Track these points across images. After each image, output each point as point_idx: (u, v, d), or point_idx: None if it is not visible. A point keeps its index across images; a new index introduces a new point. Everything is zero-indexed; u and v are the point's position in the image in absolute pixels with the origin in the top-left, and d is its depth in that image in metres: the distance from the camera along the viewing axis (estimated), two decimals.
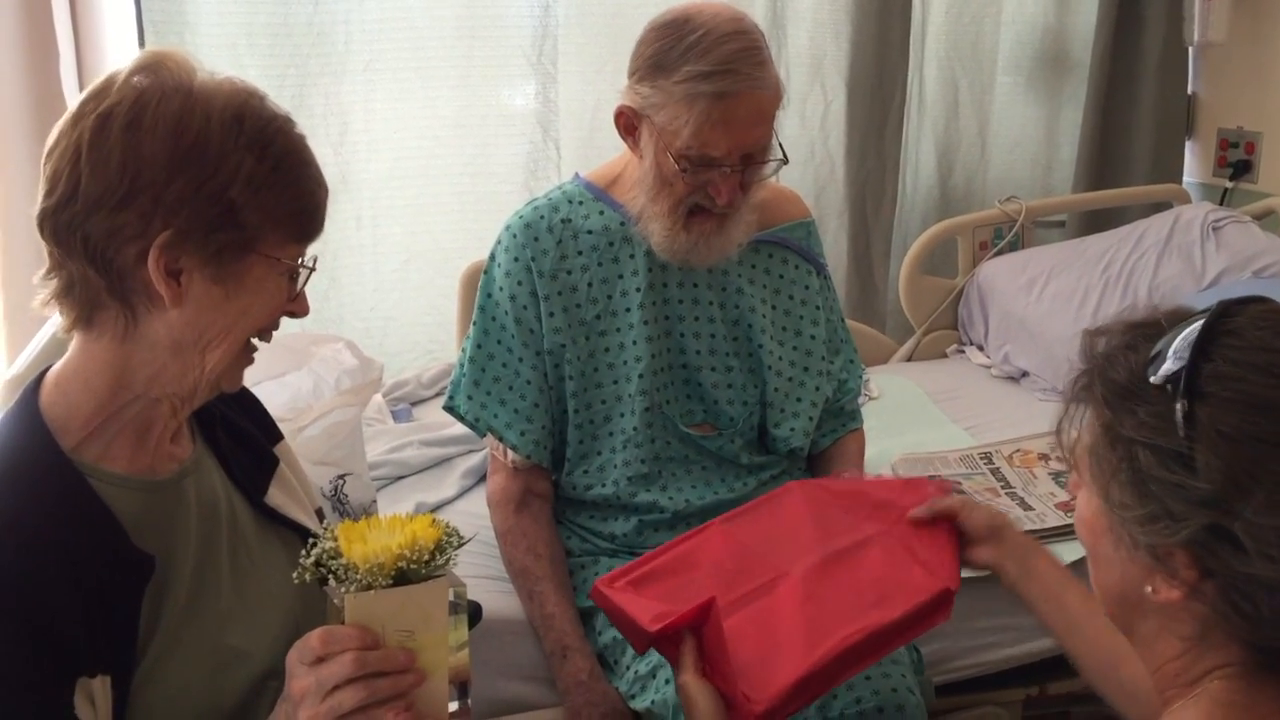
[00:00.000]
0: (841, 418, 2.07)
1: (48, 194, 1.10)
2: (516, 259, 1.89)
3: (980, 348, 3.11)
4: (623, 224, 1.88)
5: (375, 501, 2.12)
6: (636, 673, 1.75)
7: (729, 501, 1.91)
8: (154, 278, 1.09)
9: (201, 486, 1.24)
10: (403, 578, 1.08)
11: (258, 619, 1.24)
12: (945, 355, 3.18)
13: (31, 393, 1.15)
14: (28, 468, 1.10)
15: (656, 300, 1.89)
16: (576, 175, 1.99)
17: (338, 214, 2.75)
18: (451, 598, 1.12)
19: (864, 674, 1.65)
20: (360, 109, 2.76)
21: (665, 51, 1.72)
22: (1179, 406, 0.92)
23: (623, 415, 1.89)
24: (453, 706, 1.15)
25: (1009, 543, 1.49)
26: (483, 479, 2.30)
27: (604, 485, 1.91)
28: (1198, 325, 0.95)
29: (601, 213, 1.91)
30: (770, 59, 1.75)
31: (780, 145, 1.80)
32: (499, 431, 1.91)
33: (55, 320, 1.43)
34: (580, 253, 1.89)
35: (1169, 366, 0.94)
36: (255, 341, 1.20)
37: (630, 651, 1.78)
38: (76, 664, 1.06)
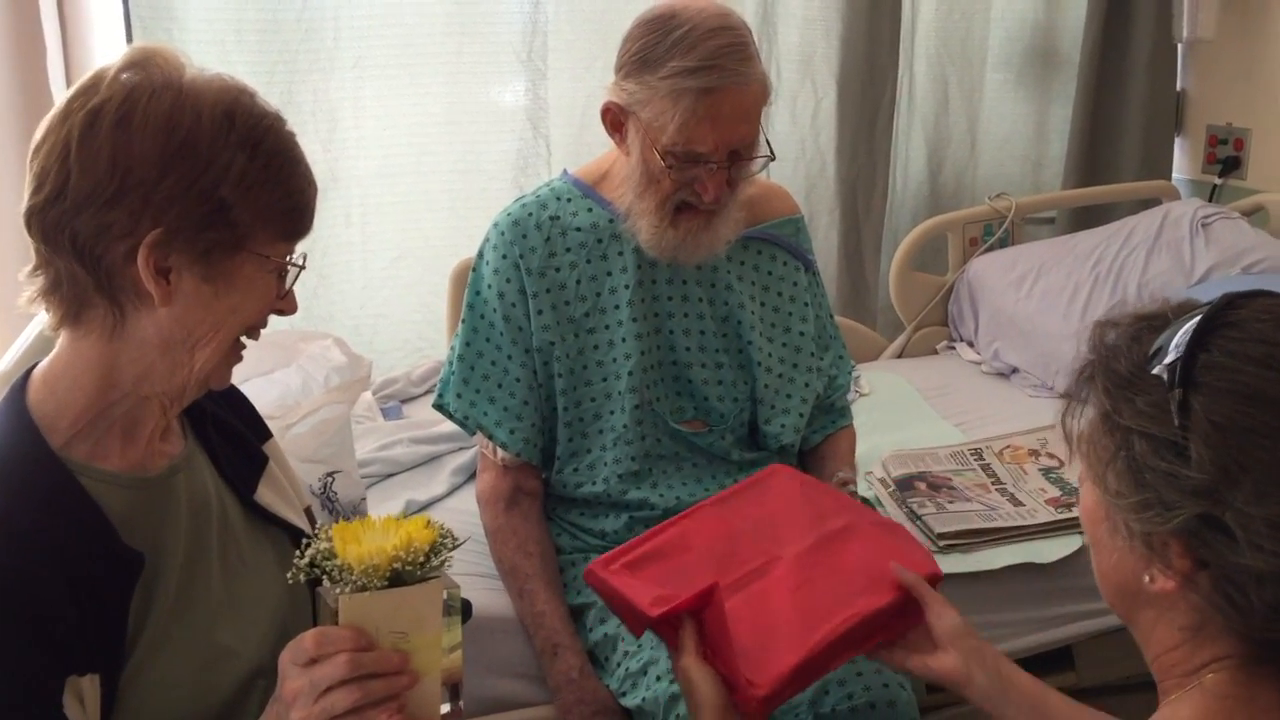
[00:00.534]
0: (832, 414, 2.07)
1: (35, 191, 1.09)
2: (505, 256, 1.89)
3: (970, 344, 3.12)
4: (611, 221, 1.88)
5: (365, 499, 2.12)
6: (627, 670, 1.75)
7: None
8: (143, 276, 1.08)
9: (192, 483, 1.23)
10: (397, 579, 1.07)
11: (247, 617, 1.24)
12: (936, 352, 3.19)
13: (19, 390, 1.15)
14: (16, 465, 1.10)
15: (645, 297, 1.89)
16: (565, 172, 1.98)
17: (327, 211, 2.74)
18: (445, 599, 1.11)
19: (856, 669, 1.66)
20: (349, 105, 2.75)
21: (651, 47, 1.71)
22: (1174, 396, 0.93)
23: (612, 413, 1.89)
24: (445, 708, 1.15)
25: (978, 651, 1.36)
26: (473, 476, 2.30)
27: (594, 483, 1.91)
28: (1199, 317, 0.96)
29: (590, 210, 1.91)
30: (757, 55, 1.75)
31: (767, 142, 1.80)
32: (488, 429, 1.91)
33: (43, 317, 1.42)
34: (569, 250, 1.89)
35: (1170, 356, 0.95)
36: (244, 339, 1.20)
37: (621, 649, 1.78)
38: (66, 662, 1.06)
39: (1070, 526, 2.16)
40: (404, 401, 2.75)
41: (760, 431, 1.95)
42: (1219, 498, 0.91)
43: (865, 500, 2.07)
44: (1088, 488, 1.04)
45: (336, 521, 1.92)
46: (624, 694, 1.75)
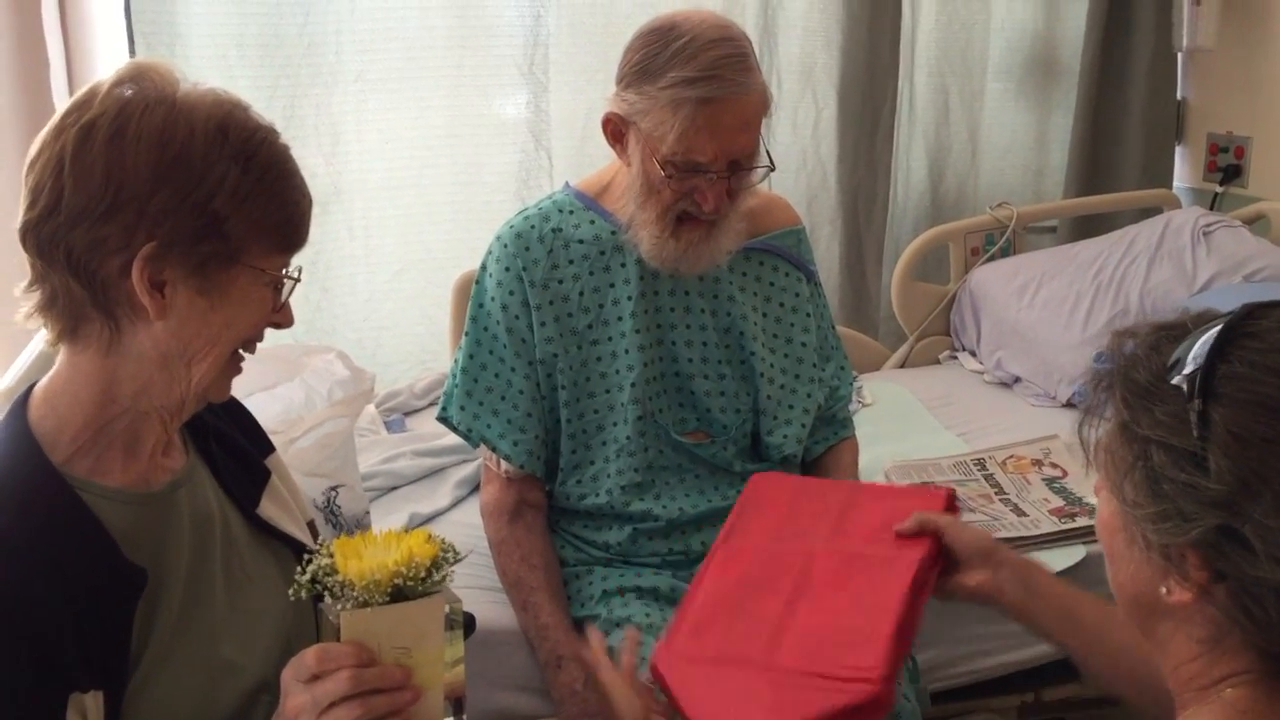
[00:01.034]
0: (834, 425, 2.07)
1: (30, 206, 1.09)
2: (508, 269, 1.89)
3: (973, 354, 3.12)
4: (613, 233, 1.88)
5: (368, 512, 2.12)
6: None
7: (723, 510, 1.90)
8: (138, 290, 1.08)
9: (195, 498, 1.23)
10: (399, 594, 1.07)
11: (250, 631, 1.24)
12: (938, 361, 3.19)
13: (20, 407, 1.15)
14: (18, 482, 1.10)
15: (648, 309, 1.89)
16: (567, 184, 1.99)
17: (330, 224, 2.75)
18: (447, 613, 1.11)
19: None
20: (352, 119, 2.76)
21: (652, 58, 1.72)
22: (1194, 406, 0.92)
23: (615, 424, 1.89)
24: None
25: (1006, 563, 1.41)
26: (476, 489, 2.30)
27: (598, 494, 1.91)
28: (1219, 327, 0.95)
29: (592, 222, 1.91)
30: (757, 66, 1.75)
31: (768, 152, 1.80)
32: (492, 442, 1.91)
33: (44, 334, 1.42)
34: (571, 262, 1.89)
35: (1189, 367, 0.94)
36: (242, 352, 1.20)
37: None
38: (69, 679, 1.06)
39: (1074, 536, 2.16)
40: (407, 414, 2.75)
41: (762, 442, 1.95)
42: (1238, 509, 0.90)
43: None
44: (1105, 498, 1.03)
45: (340, 535, 1.92)
46: None
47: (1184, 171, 3.52)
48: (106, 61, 2.48)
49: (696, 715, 1.32)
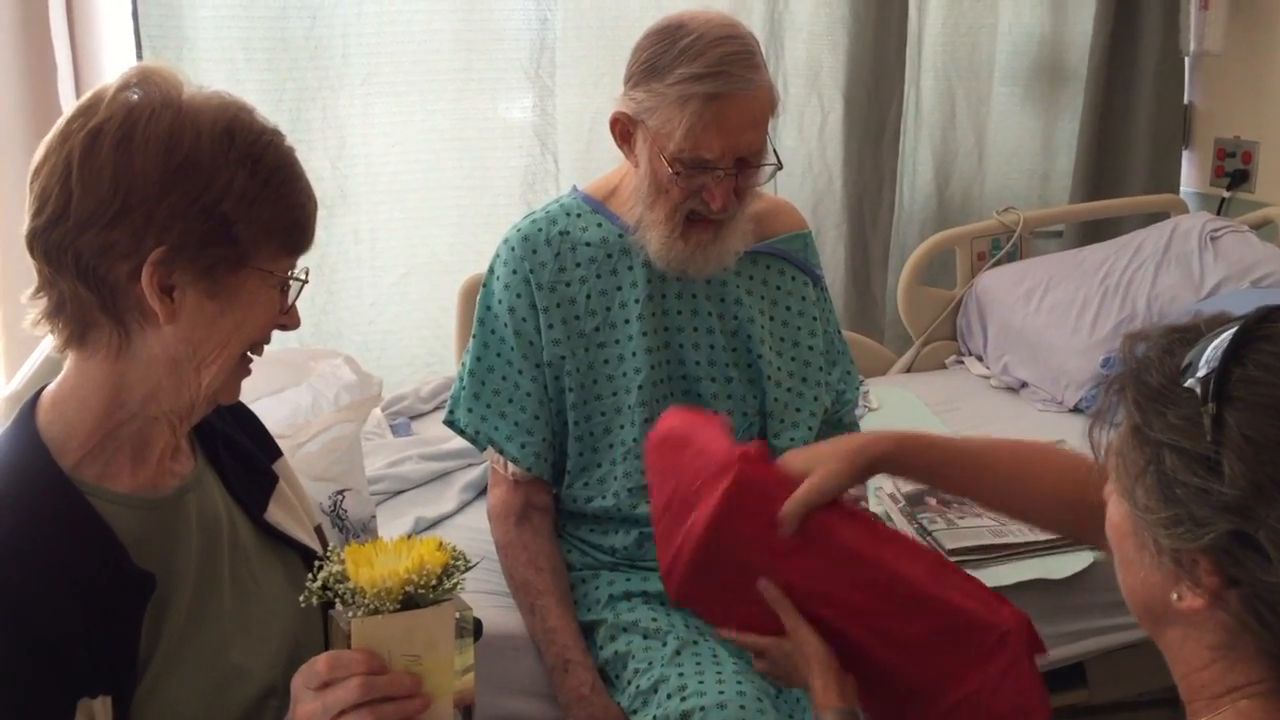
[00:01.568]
0: (840, 429, 2.07)
1: (37, 212, 1.09)
2: (515, 272, 1.89)
3: (979, 358, 3.11)
4: (621, 236, 1.88)
5: (374, 517, 2.12)
6: (638, 688, 1.75)
7: None
8: (147, 294, 1.08)
9: (203, 503, 1.23)
10: (410, 602, 1.07)
11: (258, 636, 1.23)
12: (944, 366, 3.19)
13: (28, 412, 1.15)
14: (27, 487, 1.10)
15: (655, 311, 1.89)
16: (574, 188, 1.99)
17: (336, 227, 2.75)
18: (458, 621, 1.11)
19: None
20: (358, 122, 2.76)
21: (659, 56, 1.73)
22: (1207, 410, 0.91)
23: (623, 427, 1.89)
24: None
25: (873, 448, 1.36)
26: (482, 493, 2.30)
27: (604, 497, 1.91)
28: (1233, 330, 0.94)
29: (599, 225, 1.91)
30: (763, 64, 1.76)
31: (775, 151, 1.80)
32: (499, 444, 1.91)
33: (51, 339, 1.42)
34: (579, 265, 1.89)
35: (1202, 370, 0.93)
36: (250, 354, 1.20)
37: (632, 666, 1.78)
38: (78, 684, 1.06)
39: (1082, 543, 2.15)
40: (413, 418, 2.75)
41: (770, 445, 1.95)
42: (1252, 514, 0.89)
43: (875, 517, 2.05)
44: (1115, 502, 1.02)
45: (346, 539, 1.92)
46: (635, 711, 1.75)
47: (1191, 176, 3.51)
48: (113, 65, 2.48)
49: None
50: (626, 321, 1.88)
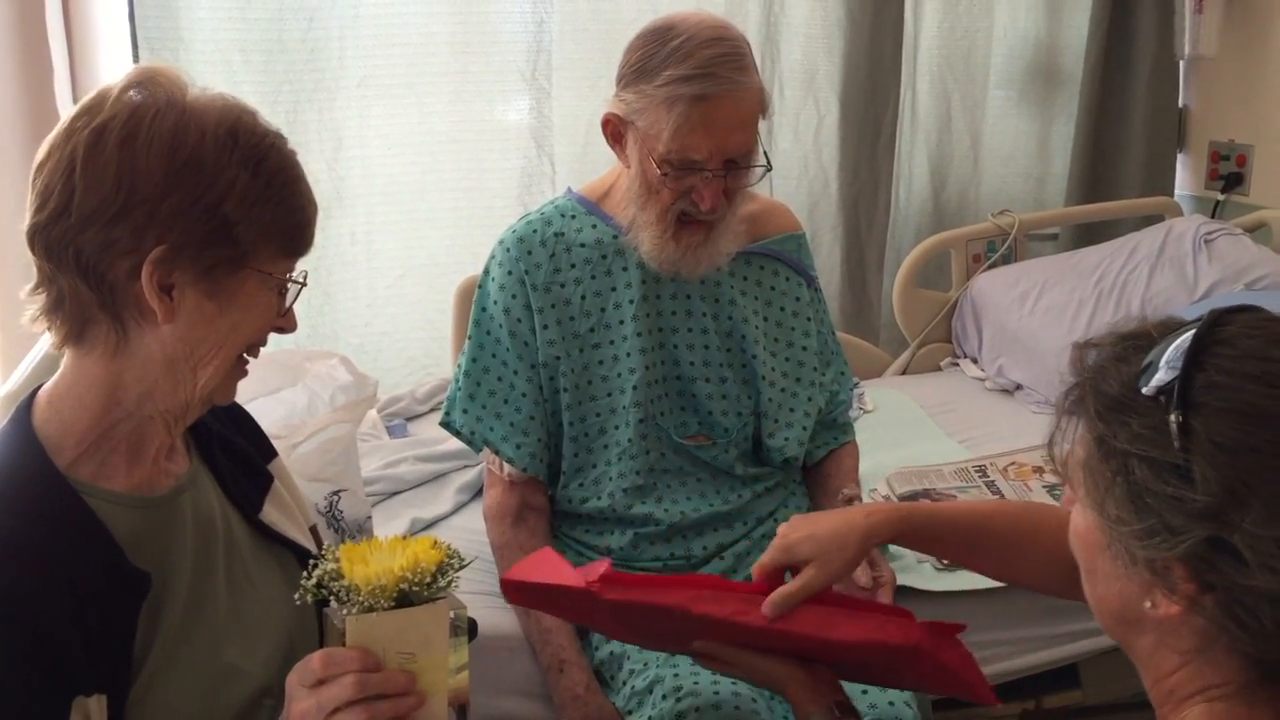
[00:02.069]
0: (834, 430, 2.07)
1: (38, 209, 1.09)
2: (510, 273, 1.90)
3: (974, 360, 3.12)
4: (615, 237, 1.89)
5: (370, 517, 2.12)
6: (633, 689, 1.75)
7: (724, 514, 1.91)
8: (146, 293, 1.09)
9: (198, 503, 1.23)
10: (404, 600, 1.08)
11: (253, 636, 1.24)
12: (939, 368, 3.19)
13: (25, 411, 1.15)
14: (23, 486, 1.10)
15: (650, 312, 1.89)
16: (569, 190, 2.00)
17: (332, 229, 2.75)
18: (452, 619, 1.11)
19: (861, 689, 1.65)
20: (355, 125, 2.76)
21: (649, 57, 1.73)
22: (1173, 418, 0.91)
23: (617, 427, 1.89)
24: None
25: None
26: (477, 495, 2.30)
27: (599, 498, 1.91)
28: (1189, 335, 0.94)
29: (594, 226, 1.91)
30: (753, 66, 1.76)
31: (765, 153, 1.81)
32: (495, 444, 1.91)
33: (48, 338, 1.42)
34: (573, 266, 1.90)
35: (1161, 377, 0.93)
36: (246, 356, 1.20)
37: (627, 667, 1.78)
38: (73, 683, 1.06)
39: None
40: (409, 419, 2.75)
41: (764, 445, 1.95)
42: (1226, 520, 0.89)
43: None
44: (1081, 513, 1.01)
45: (342, 540, 1.92)
46: (629, 712, 1.75)
47: (1185, 179, 3.52)
48: (110, 67, 2.48)
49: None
50: (621, 322, 1.88)
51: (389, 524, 2.20)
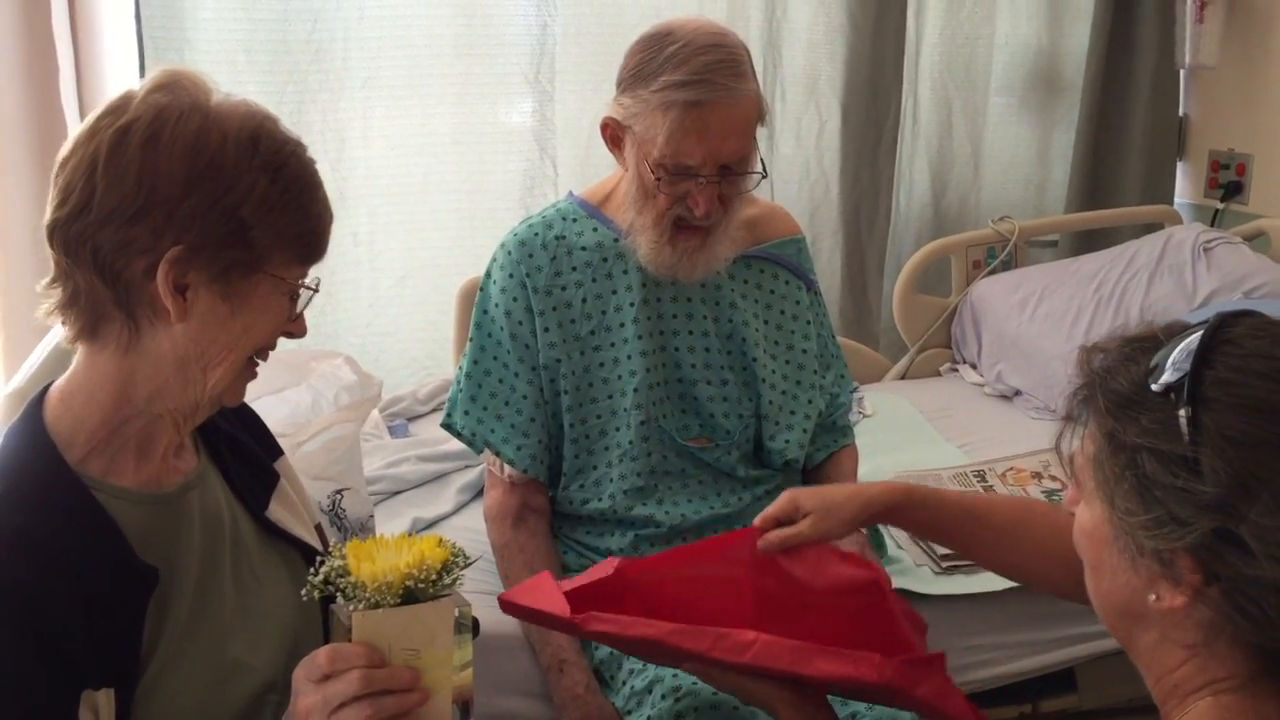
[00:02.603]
0: (834, 433, 2.08)
1: (59, 205, 1.11)
2: (511, 275, 1.91)
3: (973, 366, 3.13)
4: (616, 240, 1.90)
5: (372, 516, 2.13)
6: (633, 689, 1.76)
7: (724, 516, 1.92)
8: (161, 291, 1.10)
9: (205, 500, 1.24)
10: (410, 597, 1.08)
11: (259, 632, 1.25)
12: (939, 373, 3.20)
13: (36, 407, 1.16)
14: (34, 481, 1.11)
15: (651, 315, 1.90)
16: (570, 193, 2.01)
17: (335, 230, 2.71)
18: (457, 617, 1.12)
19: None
20: (358, 125, 2.77)
21: (646, 62, 1.74)
22: (1183, 413, 0.93)
23: (618, 429, 1.90)
24: None
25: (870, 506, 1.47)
26: (478, 495, 2.31)
27: (600, 499, 1.92)
28: (1196, 335, 0.97)
29: (595, 229, 1.92)
30: (750, 73, 1.77)
31: (762, 160, 1.82)
32: (495, 446, 1.92)
33: (55, 335, 1.43)
34: (574, 269, 1.91)
35: (1170, 375, 0.96)
36: (256, 359, 1.22)
37: (626, 667, 1.79)
38: (81, 676, 1.07)
39: None
40: (410, 420, 2.76)
41: (764, 448, 1.96)
42: (1233, 511, 0.91)
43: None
44: (1088, 510, 1.03)
45: (345, 538, 1.94)
46: (629, 712, 1.76)
47: (1185, 188, 3.53)
48: (115, 67, 2.49)
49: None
50: (622, 325, 1.89)
51: (390, 523, 2.21)
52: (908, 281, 3.13)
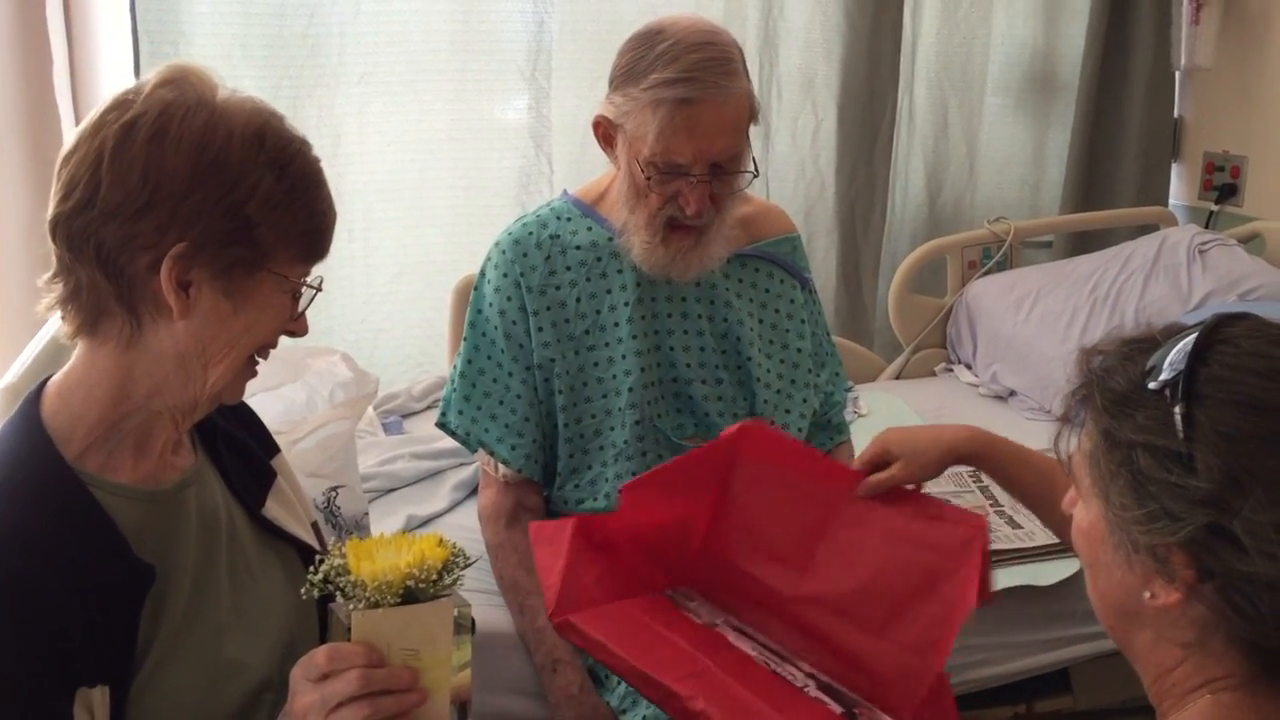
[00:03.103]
0: (829, 431, 2.08)
1: (63, 199, 1.10)
2: (505, 275, 1.90)
3: (968, 366, 3.13)
4: (610, 239, 1.89)
5: (367, 514, 2.12)
6: (627, 688, 1.75)
7: None
8: (165, 288, 1.09)
9: (202, 497, 1.24)
10: (410, 597, 1.08)
11: (255, 630, 1.24)
12: (934, 374, 3.20)
13: (33, 402, 1.15)
14: (30, 477, 1.10)
15: (645, 314, 1.90)
16: (565, 192, 2.00)
17: None
18: (456, 617, 1.12)
19: None
20: (354, 121, 2.76)
21: (637, 60, 1.74)
22: (1178, 409, 0.94)
23: (613, 429, 1.89)
24: None
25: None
26: (473, 492, 2.30)
27: (595, 499, 1.91)
28: (1193, 335, 0.98)
29: (589, 228, 1.92)
30: (742, 71, 1.76)
31: (754, 159, 1.81)
32: (490, 445, 1.92)
33: (49, 329, 1.42)
34: (569, 268, 1.90)
35: (1166, 373, 0.97)
36: (256, 357, 1.21)
37: None
38: (76, 674, 1.06)
39: (1068, 550, 2.15)
40: (405, 416, 2.75)
41: None
42: (1226, 507, 0.92)
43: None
44: (1085, 507, 1.04)
45: (339, 536, 1.93)
46: (624, 711, 1.76)
47: (1179, 189, 3.54)
48: (110, 62, 2.48)
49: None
50: (616, 324, 1.89)
51: (384, 520, 2.20)
52: (903, 281, 3.13)
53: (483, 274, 1.96)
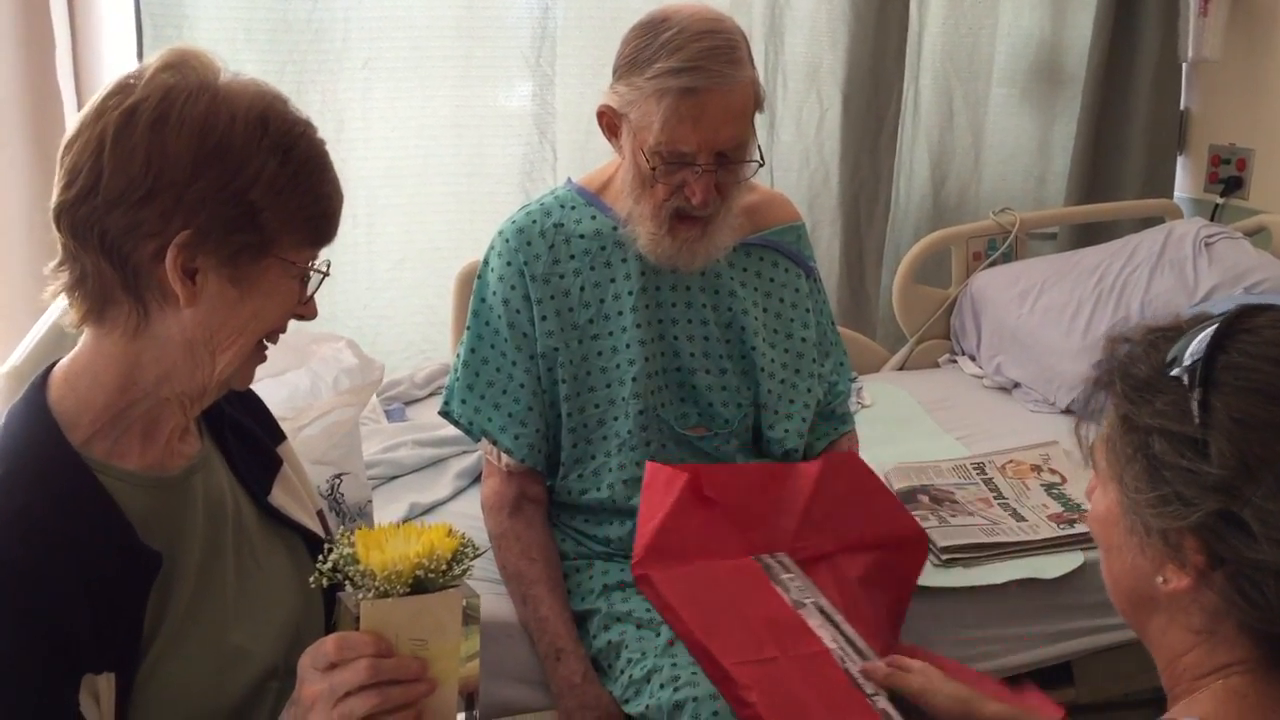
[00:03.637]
0: (833, 420, 2.07)
1: (66, 186, 1.09)
2: (509, 263, 1.89)
3: (972, 358, 3.12)
4: (614, 228, 1.89)
5: (370, 501, 2.12)
6: (631, 677, 1.75)
7: None
8: (170, 276, 1.08)
9: (209, 484, 1.23)
10: (419, 586, 1.08)
11: (260, 618, 1.24)
12: (937, 365, 3.19)
13: (39, 387, 1.15)
14: (36, 463, 1.10)
15: (649, 303, 1.89)
16: (569, 180, 1.99)
17: None
18: (465, 607, 1.11)
19: None
20: (357, 107, 2.75)
21: (641, 49, 1.73)
22: (1194, 395, 0.95)
23: (616, 419, 1.89)
24: (460, 717, 1.15)
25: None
26: (476, 480, 2.30)
27: (599, 489, 1.91)
28: (1216, 323, 0.99)
29: (593, 217, 1.91)
30: (747, 59, 1.75)
31: (759, 148, 1.80)
32: (493, 435, 1.91)
33: (51, 314, 1.41)
34: (573, 257, 1.89)
35: (1187, 360, 0.98)
36: (265, 342, 1.20)
37: (624, 656, 1.78)
38: (82, 661, 1.06)
39: (1072, 543, 2.17)
40: (408, 404, 2.75)
41: (764, 437, 1.96)
42: (1237, 493, 0.93)
43: None
44: (1103, 491, 1.06)
45: (343, 523, 1.93)
46: (627, 701, 1.75)
47: (1185, 182, 3.53)
48: (113, 47, 2.46)
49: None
50: (620, 314, 1.88)
51: (387, 508, 2.20)
52: (908, 272, 3.12)
53: (486, 262, 1.95)
